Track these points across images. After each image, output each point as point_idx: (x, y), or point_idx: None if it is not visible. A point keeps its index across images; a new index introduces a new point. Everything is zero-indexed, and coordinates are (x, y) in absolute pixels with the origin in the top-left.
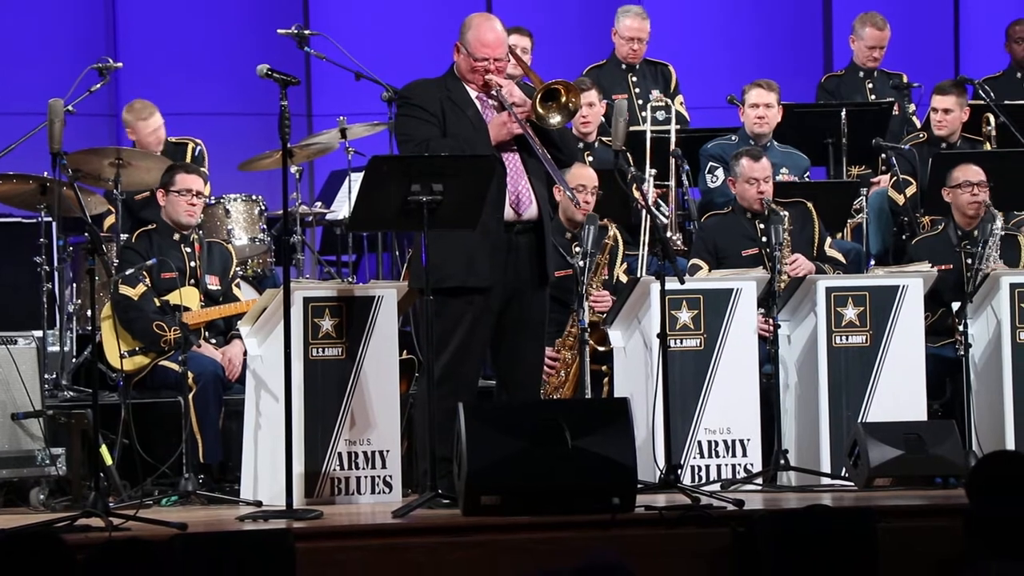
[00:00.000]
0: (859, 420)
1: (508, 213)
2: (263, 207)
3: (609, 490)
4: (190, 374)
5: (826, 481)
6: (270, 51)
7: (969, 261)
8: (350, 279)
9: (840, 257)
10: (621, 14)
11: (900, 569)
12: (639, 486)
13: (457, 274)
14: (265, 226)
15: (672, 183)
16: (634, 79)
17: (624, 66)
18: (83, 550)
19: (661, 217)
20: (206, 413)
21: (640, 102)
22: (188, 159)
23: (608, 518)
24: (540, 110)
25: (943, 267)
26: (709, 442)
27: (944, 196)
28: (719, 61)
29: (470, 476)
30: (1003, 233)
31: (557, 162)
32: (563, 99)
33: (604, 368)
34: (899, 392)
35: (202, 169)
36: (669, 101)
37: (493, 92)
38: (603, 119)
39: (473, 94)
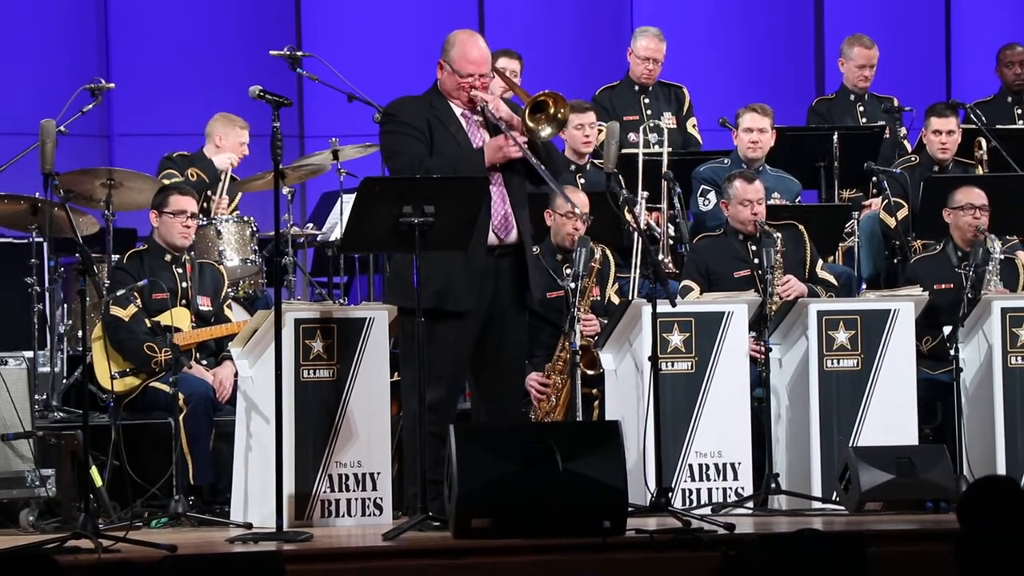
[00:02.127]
0: (850, 444)
1: (491, 238)
2: (255, 228)
3: (600, 513)
4: (181, 395)
5: (817, 505)
6: (263, 72)
7: (968, 283)
8: (341, 301)
9: (832, 279)
10: (639, 34)
11: None
12: (630, 509)
13: (434, 296)
14: (257, 247)
15: (664, 206)
16: (646, 100)
17: (637, 87)
18: (73, 572)
19: (656, 230)
20: (196, 434)
21: (651, 124)
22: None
23: (599, 541)
24: (530, 124)
25: (943, 286)
26: (700, 465)
27: (944, 217)
28: (711, 84)
29: (461, 499)
30: (1003, 256)
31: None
32: (552, 110)
33: (595, 391)
34: (890, 416)
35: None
36: (666, 124)
37: (479, 108)
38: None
39: (458, 111)
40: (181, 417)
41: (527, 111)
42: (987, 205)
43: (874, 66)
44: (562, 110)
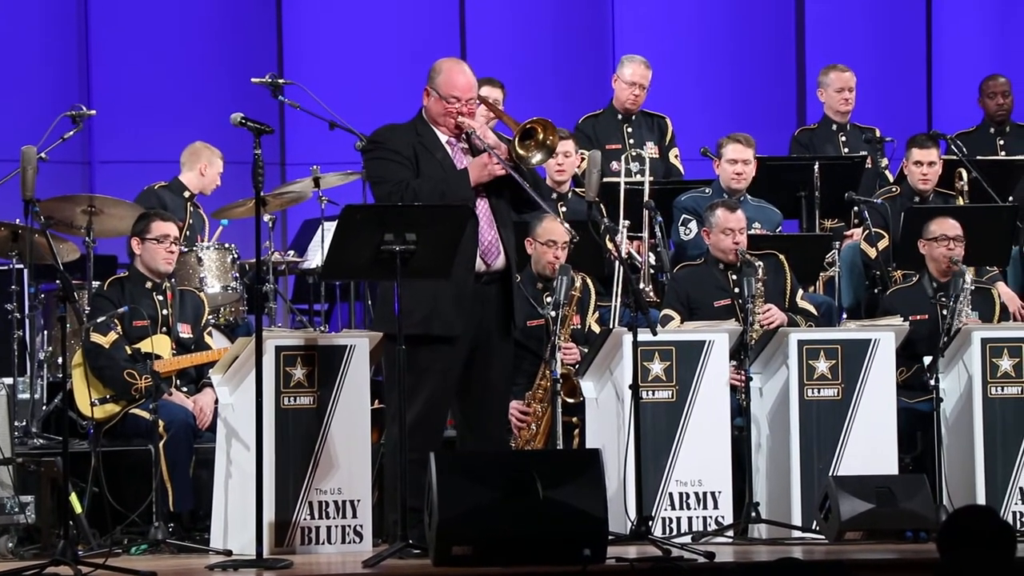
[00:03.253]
0: (830, 473)
1: (478, 263)
2: (236, 255)
3: (580, 541)
4: (161, 422)
5: (797, 534)
6: (244, 99)
7: (944, 313)
8: (322, 328)
9: (812, 309)
10: (626, 61)
11: None
12: (610, 537)
13: (422, 321)
14: (238, 274)
15: (645, 234)
16: (629, 129)
17: (620, 116)
18: None
19: (637, 259)
20: (176, 461)
21: (633, 153)
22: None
23: (579, 570)
24: (520, 151)
25: (918, 317)
26: (680, 494)
27: (920, 248)
28: (693, 113)
29: (441, 526)
30: (974, 287)
31: (529, 204)
32: (541, 137)
33: (575, 420)
34: (870, 445)
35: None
36: (648, 154)
37: (465, 135)
38: (576, 170)
39: (443, 138)
40: (161, 444)
41: (516, 138)
42: (961, 236)
43: (852, 89)
44: (551, 137)
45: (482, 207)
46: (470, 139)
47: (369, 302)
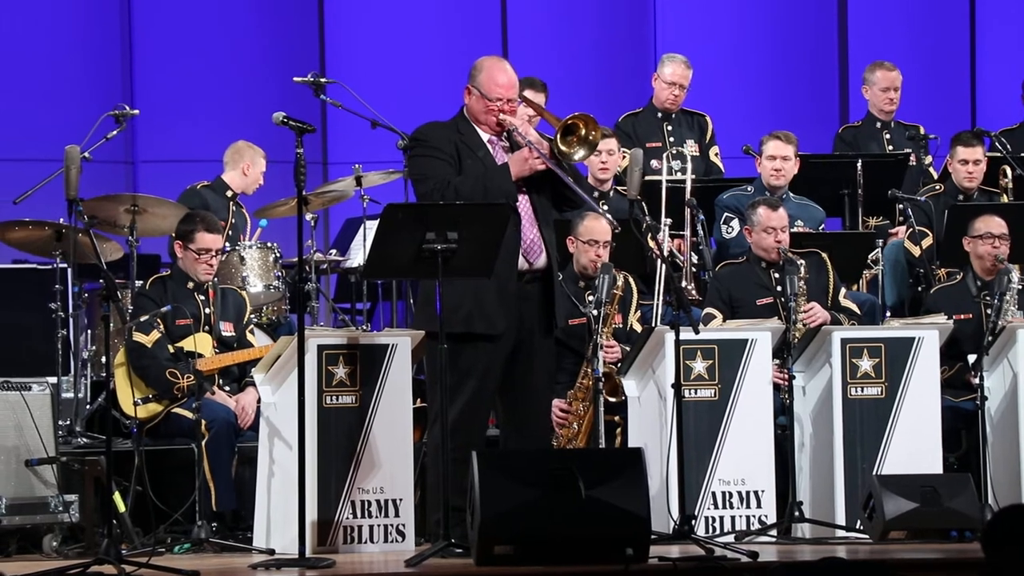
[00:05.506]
0: (874, 472)
1: (520, 262)
2: (278, 254)
3: (623, 541)
4: (203, 421)
5: (841, 534)
6: (286, 99)
7: (989, 312)
8: (364, 327)
9: (855, 308)
10: (666, 60)
11: None
12: (653, 537)
13: (465, 319)
14: (280, 273)
15: (687, 233)
16: (669, 128)
17: (660, 114)
18: None
19: (679, 257)
20: (219, 460)
21: (674, 151)
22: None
23: (622, 569)
24: (562, 147)
25: (962, 316)
26: (723, 493)
27: (964, 245)
28: (734, 111)
29: (483, 525)
30: (1021, 286)
31: (570, 202)
32: (583, 132)
33: (617, 418)
34: (914, 444)
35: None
36: (689, 152)
37: (506, 133)
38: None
39: (485, 136)
40: (204, 443)
41: (559, 134)
42: (1007, 234)
43: (898, 88)
44: (593, 132)
45: (524, 204)
46: (511, 136)
47: (411, 301)
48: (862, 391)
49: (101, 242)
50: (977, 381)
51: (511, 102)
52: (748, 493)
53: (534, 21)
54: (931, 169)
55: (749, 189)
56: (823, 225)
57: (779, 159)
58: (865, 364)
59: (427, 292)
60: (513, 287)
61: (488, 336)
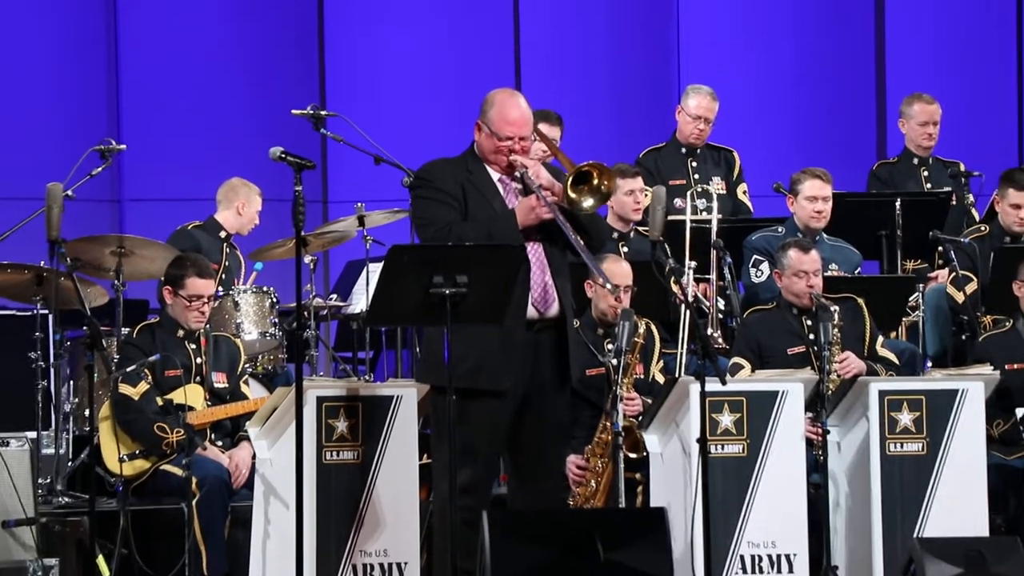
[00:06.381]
0: (915, 535)
1: (530, 311)
2: (274, 299)
3: None
4: (194, 479)
5: None
6: (284, 133)
7: None
8: (367, 377)
9: (893, 358)
10: (691, 92)
11: None
12: None
13: (468, 374)
14: (276, 320)
15: (713, 276)
16: (694, 164)
17: (684, 149)
18: None
19: (704, 303)
20: (211, 521)
21: (699, 188)
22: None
23: None
24: (572, 194)
25: (1015, 366)
26: (752, 556)
27: (1014, 290)
28: (763, 146)
29: None
30: None
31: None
32: (595, 182)
33: (638, 476)
34: (959, 505)
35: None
36: (715, 189)
37: (518, 174)
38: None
39: (495, 176)
40: (194, 502)
41: (569, 181)
42: None
43: (937, 123)
44: (606, 182)
45: (536, 252)
46: (523, 179)
47: (417, 349)
48: (902, 447)
49: (85, 286)
50: None
51: (524, 140)
52: (779, 557)
53: (549, 49)
54: (973, 209)
55: (780, 230)
56: (859, 269)
57: (820, 200)
58: (905, 418)
59: (429, 342)
60: (520, 338)
61: (493, 392)
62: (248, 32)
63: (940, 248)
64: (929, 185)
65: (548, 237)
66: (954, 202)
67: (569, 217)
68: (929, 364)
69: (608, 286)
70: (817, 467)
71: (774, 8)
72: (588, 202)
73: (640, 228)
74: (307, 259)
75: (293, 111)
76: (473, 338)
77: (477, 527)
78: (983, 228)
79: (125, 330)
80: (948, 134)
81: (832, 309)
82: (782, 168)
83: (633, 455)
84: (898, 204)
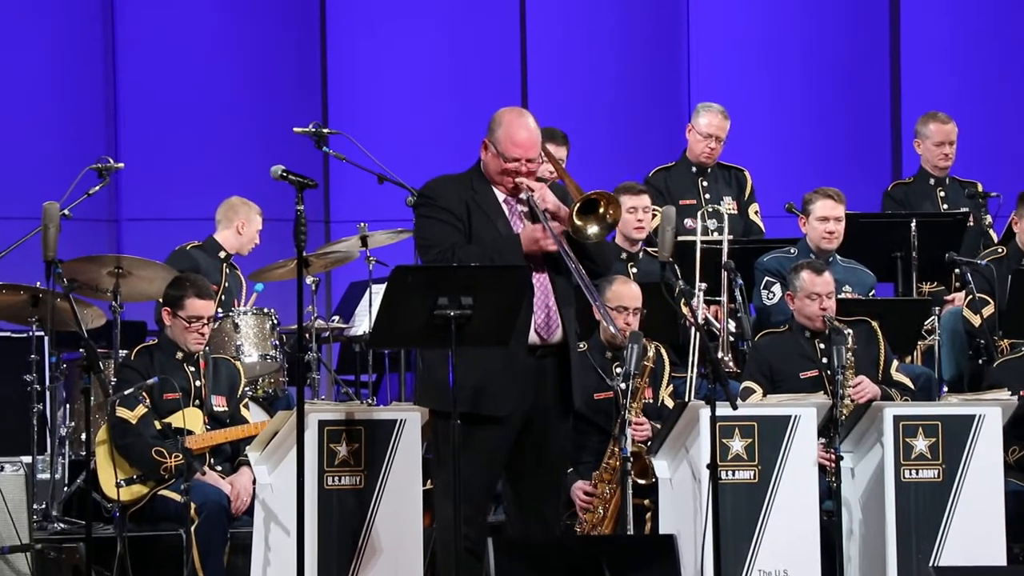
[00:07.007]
0: (931, 564)
1: (532, 337)
2: (275, 321)
3: None
4: (193, 505)
5: None
6: (285, 151)
7: None
8: (370, 401)
9: (908, 382)
10: (701, 110)
11: None
12: None
13: (468, 399)
14: (277, 342)
15: (724, 298)
16: (704, 183)
17: (695, 169)
18: None
19: (715, 325)
20: (210, 548)
21: (710, 208)
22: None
23: None
24: (577, 222)
25: None
26: None
27: None
28: (775, 165)
29: None
30: None
31: (591, 273)
32: (602, 211)
33: (647, 502)
34: (975, 533)
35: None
36: (726, 209)
37: (523, 196)
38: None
39: (500, 196)
40: (193, 528)
41: (575, 209)
42: None
43: (954, 143)
44: (612, 211)
45: (541, 279)
46: (529, 202)
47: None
48: (917, 473)
49: (82, 307)
50: None
51: (531, 162)
52: None
53: (557, 66)
54: (991, 230)
55: (792, 251)
56: (873, 291)
57: (832, 220)
58: (920, 444)
59: (429, 365)
60: (523, 363)
61: (494, 417)
62: (249, 49)
63: (956, 270)
64: (945, 206)
65: (553, 264)
66: (971, 223)
67: (574, 244)
68: (945, 389)
69: (612, 328)
70: (830, 494)
71: (786, 25)
72: (593, 229)
73: (649, 249)
74: (309, 280)
75: (295, 129)
76: (474, 362)
77: (480, 555)
78: (1000, 250)
79: (123, 352)
80: (965, 153)
81: (846, 332)
82: (795, 188)
83: (642, 481)
84: (913, 225)
